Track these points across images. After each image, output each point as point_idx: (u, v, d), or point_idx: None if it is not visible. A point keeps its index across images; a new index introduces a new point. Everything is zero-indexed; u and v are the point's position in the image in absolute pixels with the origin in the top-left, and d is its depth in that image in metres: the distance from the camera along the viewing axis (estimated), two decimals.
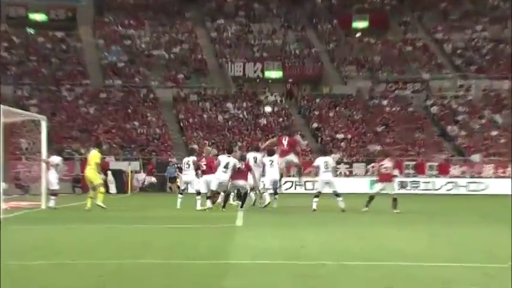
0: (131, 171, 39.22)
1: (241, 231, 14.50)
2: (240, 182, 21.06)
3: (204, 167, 21.49)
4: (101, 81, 53.33)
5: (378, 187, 20.97)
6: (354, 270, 9.02)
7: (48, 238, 13.12)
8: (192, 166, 21.70)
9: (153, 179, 40.44)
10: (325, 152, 22.73)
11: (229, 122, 49.85)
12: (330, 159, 21.56)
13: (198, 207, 21.19)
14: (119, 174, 38.90)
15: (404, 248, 11.39)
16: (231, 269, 9.07)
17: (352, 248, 11.33)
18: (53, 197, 22.17)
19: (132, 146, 45.97)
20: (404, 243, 12.30)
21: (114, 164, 41.35)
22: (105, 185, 36.97)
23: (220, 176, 20.88)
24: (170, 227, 15.83)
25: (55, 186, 22.28)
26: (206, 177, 21.48)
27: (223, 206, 20.97)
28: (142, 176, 40.99)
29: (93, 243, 12.18)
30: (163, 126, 48.89)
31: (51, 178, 22.22)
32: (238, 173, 21.01)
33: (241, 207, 21.13)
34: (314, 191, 22.25)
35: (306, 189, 37.79)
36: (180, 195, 22.19)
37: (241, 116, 50.82)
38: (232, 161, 21.02)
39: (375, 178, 22.78)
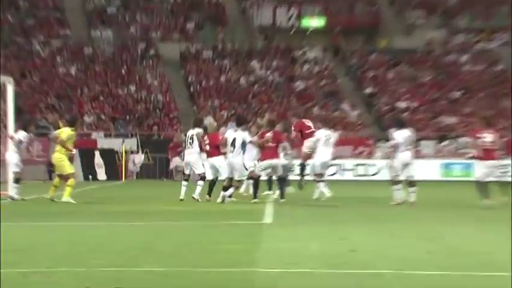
0: (126, 152, 39.32)
1: (270, 231, 14.64)
2: (272, 161, 21.13)
3: (208, 147, 21.70)
4: (86, 32, 53.48)
5: (481, 169, 19.90)
6: (418, 282, 9.08)
7: (18, 239, 13.30)
8: (196, 142, 21.80)
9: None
10: (401, 123, 21.44)
11: (255, 87, 49.85)
12: (411, 133, 20.81)
13: (196, 194, 21.53)
14: (109, 156, 39.03)
15: (484, 254, 11.44)
16: (257, 279, 9.17)
17: (416, 253, 11.39)
18: (15, 185, 22.45)
19: (126, 118, 46.19)
20: (485, 247, 12.35)
21: (104, 142, 41.53)
22: (93, 169, 37.58)
23: (230, 158, 21.06)
24: (177, 225, 16.01)
25: (15, 168, 22.43)
26: (212, 160, 21.72)
27: (254, 197, 21.16)
28: (140, 157, 41.09)
29: (76, 245, 12.34)
30: (168, 92, 49.03)
31: (11, 159, 22.47)
32: (267, 150, 21.09)
33: (282, 197, 21.26)
34: (389, 177, 21.46)
35: (355, 175, 37.90)
36: (184, 182, 22.40)
37: (270, 78, 50.77)
38: (240, 135, 21.07)
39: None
